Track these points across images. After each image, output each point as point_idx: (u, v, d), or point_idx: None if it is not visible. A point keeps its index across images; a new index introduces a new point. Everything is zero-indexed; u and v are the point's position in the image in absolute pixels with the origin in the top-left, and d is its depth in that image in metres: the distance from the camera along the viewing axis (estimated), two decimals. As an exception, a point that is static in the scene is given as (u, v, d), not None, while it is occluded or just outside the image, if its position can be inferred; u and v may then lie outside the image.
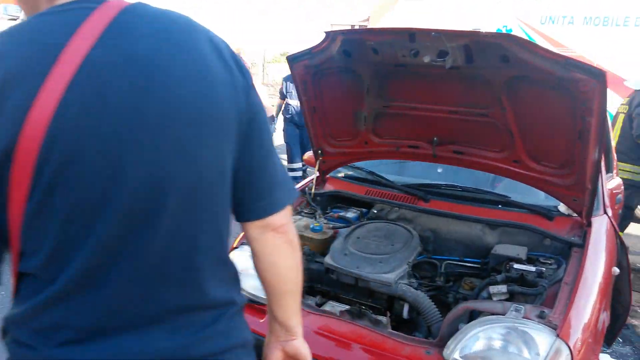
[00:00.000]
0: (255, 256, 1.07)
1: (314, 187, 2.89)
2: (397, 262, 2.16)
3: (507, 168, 2.35)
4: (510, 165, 2.34)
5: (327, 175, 3.06)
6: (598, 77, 1.74)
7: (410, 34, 1.97)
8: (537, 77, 1.90)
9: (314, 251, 2.44)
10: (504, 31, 6.79)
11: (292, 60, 2.47)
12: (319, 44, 2.31)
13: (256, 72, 15.23)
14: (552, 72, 1.81)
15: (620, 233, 4.72)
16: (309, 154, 3.46)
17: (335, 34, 2.19)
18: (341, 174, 3.14)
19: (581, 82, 1.78)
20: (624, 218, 4.68)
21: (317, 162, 2.93)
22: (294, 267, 1.10)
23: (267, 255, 1.05)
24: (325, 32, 2.21)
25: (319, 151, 2.88)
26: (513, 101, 2.07)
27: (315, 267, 2.35)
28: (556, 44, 6.43)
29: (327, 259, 2.25)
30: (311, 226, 2.49)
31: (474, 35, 1.84)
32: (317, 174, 2.94)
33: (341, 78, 2.47)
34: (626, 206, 4.57)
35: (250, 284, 2.25)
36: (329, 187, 2.98)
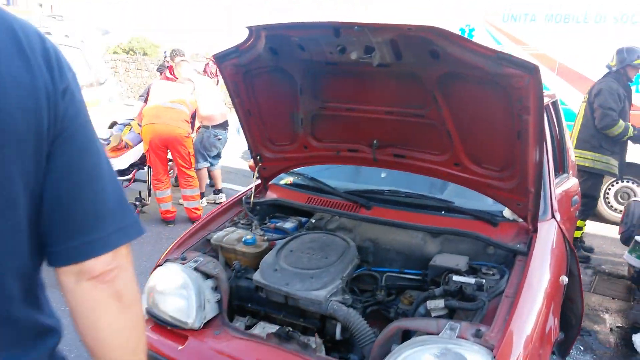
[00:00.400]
0: (71, 312, 0.84)
1: (252, 195, 2.71)
2: (329, 277, 1.98)
3: (448, 172, 2.21)
4: (451, 168, 2.19)
5: (270, 183, 2.88)
6: (531, 72, 1.60)
7: (335, 28, 1.81)
8: (469, 74, 1.75)
9: (246, 267, 2.25)
10: (467, 30, 6.72)
11: (219, 59, 2.29)
12: (245, 40, 2.13)
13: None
14: (483, 67, 1.67)
15: (581, 223, 4.70)
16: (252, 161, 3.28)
17: (258, 29, 2.01)
18: (285, 181, 2.97)
19: (514, 78, 1.64)
20: (587, 207, 4.64)
21: (257, 169, 2.76)
22: (125, 329, 0.85)
23: (85, 313, 0.82)
24: (248, 27, 2.02)
25: (258, 157, 2.70)
26: (448, 100, 1.92)
27: (245, 284, 2.16)
28: (519, 42, 6.37)
29: (256, 276, 2.07)
30: (243, 239, 2.31)
31: (398, 29, 1.68)
32: (257, 181, 2.76)
33: (273, 78, 2.29)
34: (588, 195, 4.54)
35: (171, 306, 2.07)
36: (272, 196, 2.80)
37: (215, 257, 2.36)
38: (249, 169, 7.14)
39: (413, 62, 1.81)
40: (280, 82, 2.27)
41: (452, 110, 1.96)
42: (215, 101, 5.71)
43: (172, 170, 6.11)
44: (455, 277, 1.94)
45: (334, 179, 2.78)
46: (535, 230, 2.13)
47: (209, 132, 5.75)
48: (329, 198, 2.58)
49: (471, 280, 1.91)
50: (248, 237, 2.31)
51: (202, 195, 5.94)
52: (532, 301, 1.82)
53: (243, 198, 2.70)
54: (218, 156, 6.11)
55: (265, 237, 2.38)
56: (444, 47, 1.68)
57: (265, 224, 2.61)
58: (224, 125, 5.83)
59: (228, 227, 2.53)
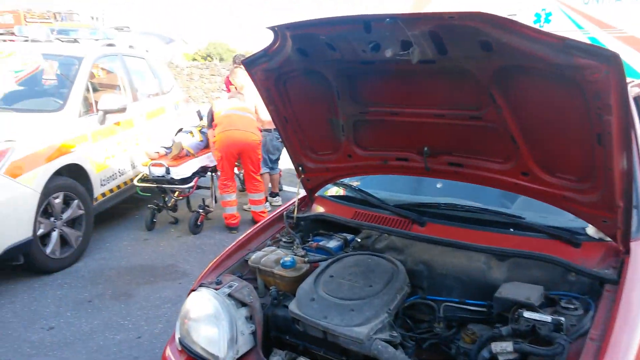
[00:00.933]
0: None
1: (296, 209, 2.49)
2: (373, 311, 1.71)
3: (515, 182, 1.86)
4: (518, 178, 1.84)
5: (316, 194, 2.65)
6: (609, 61, 1.24)
7: (365, 22, 1.54)
8: (531, 66, 1.41)
9: (284, 292, 2.03)
10: (543, 15, 6.10)
11: (248, 64, 2.08)
12: (272, 42, 1.91)
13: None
14: (548, 58, 1.33)
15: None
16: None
17: (282, 29, 1.78)
18: (336, 191, 2.72)
19: (588, 70, 1.29)
20: None
21: (300, 180, 2.54)
22: None
23: None
24: (270, 28, 1.80)
25: (300, 167, 2.48)
26: (508, 99, 1.59)
27: (282, 313, 1.94)
28: (604, 25, 5.67)
29: (292, 305, 1.84)
30: (281, 260, 2.09)
31: (437, 19, 1.38)
32: (300, 194, 2.54)
33: (307, 81, 2.06)
34: None
35: (203, 336, 1.90)
36: (317, 209, 2.57)
37: (253, 279, 2.16)
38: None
39: (461, 57, 1.50)
40: (315, 85, 2.04)
41: (515, 110, 1.62)
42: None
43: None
44: (527, 314, 1.60)
45: (384, 189, 2.49)
46: (628, 252, 1.74)
47: (272, 134, 5.76)
48: (378, 212, 2.31)
49: (547, 317, 1.57)
50: (287, 258, 2.09)
51: (266, 199, 5.90)
52: (626, 345, 1.44)
53: (285, 213, 2.49)
54: (277, 160, 6.07)
55: (306, 259, 2.14)
56: (496, 36, 1.35)
57: (309, 241, 2.38)
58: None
59: (269, 245, 2.33)
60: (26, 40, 5.90)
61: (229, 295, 1.95)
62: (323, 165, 2.42)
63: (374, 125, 2.10)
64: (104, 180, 5.07)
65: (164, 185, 5.35)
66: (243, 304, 1.94)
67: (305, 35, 1.76)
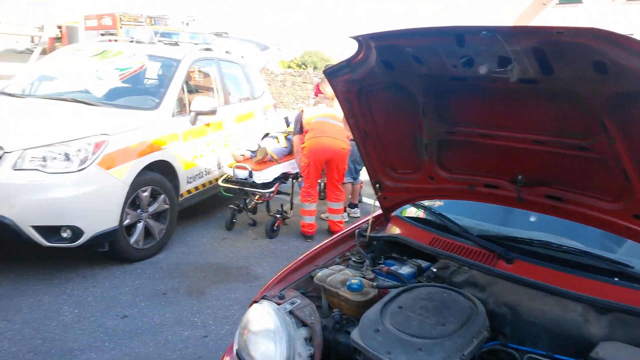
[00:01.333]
0: None
1: (369, 228, 2.36)
2: (443, 354, 1.53)
3: (625, 225, 1.60)
4: (629, 221, 1.58)
5: (393, 214, 2.50)
6: None
7: (458, 35, 1.38)
8: (658, 93, 1.19)
9: (347, 317, 1.91)
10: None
11: (330, 74, 2.00)
12: (356, 53, 1.81)
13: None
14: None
15: None
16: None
17: (366, 39, 1.67)
18: (416, 212, 2.56)
19: None
20: None
21: (377, 198, 2.41)
22: None
23: None
24: (354, 38, 1.69)
25: (377, 185, 2.35)
26: (624, 129, 1.36)
27: (344, 340, 1.82)
28: None
29: (354, 334, 1.71)
30: (348, 282, 1.96)
31: (543, 33, 1.20)
32: (375, 212, 2.40)
33: (391, 95, 1.93)
34: None
35: (260, 351, 1.83)
36: (393, 230, 2.42)
37: (318, 298, 2.06)
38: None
39: (569, 78, 1.30)
40: (399, 100, 1.90)
41: (631, 143, 1.38)
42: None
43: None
44: None
45: (468, 216, 2.29)
46: None
47: None
48: (459, 241, 2.11)
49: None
50: (354, 280, 1.96)
51: (345, 209, 5.83)
52: None
53: (357, 231, 2.36)
54: (360, 171, 6.01)
55: (375, 283, 2.00)
56: (612, 56, 1.15)
57: (380, 263, 2.24)
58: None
59: (337, 263, 2.22)
60: (131, 41, 6.28)
61: (290, 312, 1.87)
62: (402, 184, 2.27)
63: (461, 146, 1.93)
64: (190, 178, 5.24)
65: (246, 188, 5.44)
66: (304, 324, 1.85)
67: (391, 47, 1.64)
